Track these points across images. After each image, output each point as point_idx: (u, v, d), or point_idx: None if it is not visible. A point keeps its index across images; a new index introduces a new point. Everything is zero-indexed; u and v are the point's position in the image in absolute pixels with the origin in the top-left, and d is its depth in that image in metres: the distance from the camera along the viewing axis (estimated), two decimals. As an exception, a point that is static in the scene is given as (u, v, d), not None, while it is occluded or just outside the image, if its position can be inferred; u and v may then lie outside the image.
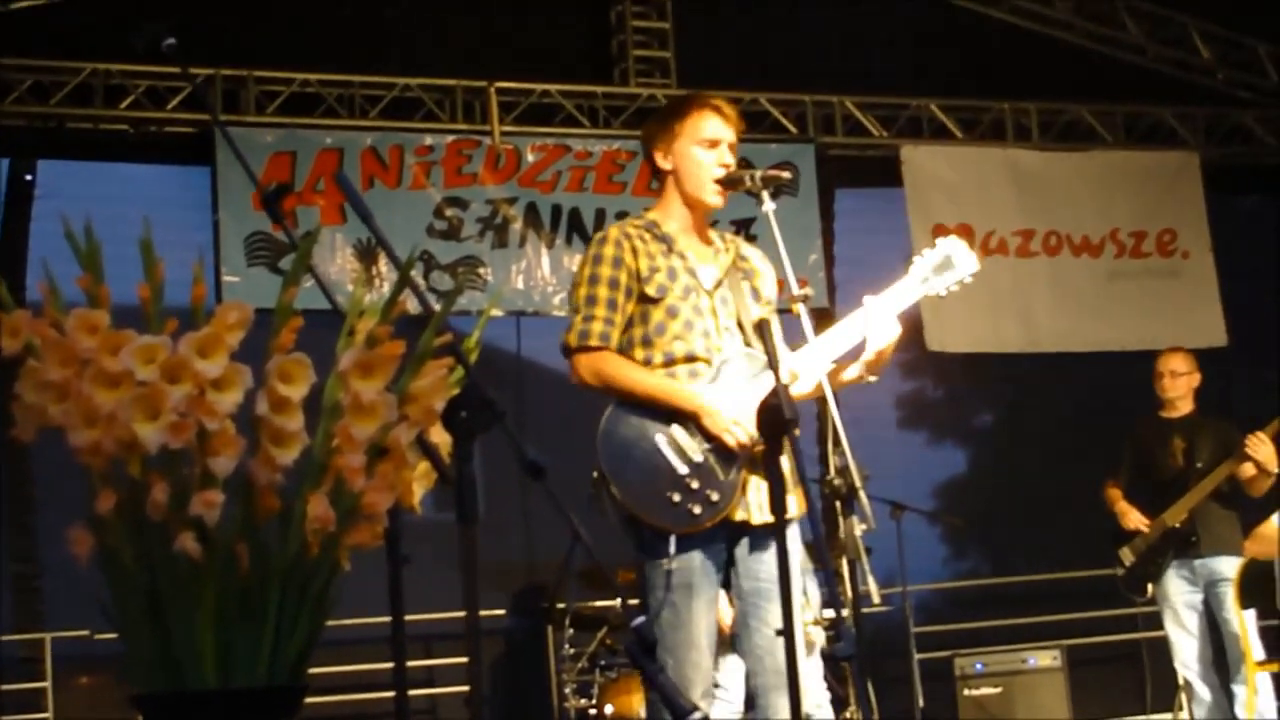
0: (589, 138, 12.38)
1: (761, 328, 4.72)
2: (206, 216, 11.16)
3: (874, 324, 5.60)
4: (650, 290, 5.62)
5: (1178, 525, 9.62)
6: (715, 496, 5.43)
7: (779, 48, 12.92)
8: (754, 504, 5.52)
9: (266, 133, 11.52)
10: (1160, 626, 9.98)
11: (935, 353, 12.93)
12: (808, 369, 5.51)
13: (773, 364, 4.56)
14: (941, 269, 5.82)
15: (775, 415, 4.36)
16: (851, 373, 5.67)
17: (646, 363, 5.59)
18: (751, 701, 5.59)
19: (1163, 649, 10.17)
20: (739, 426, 5.42)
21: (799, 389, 5.49)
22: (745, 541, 5.57)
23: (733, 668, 7.84)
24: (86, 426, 3.03)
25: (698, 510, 5.41)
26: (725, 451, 5.46)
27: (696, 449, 5.45)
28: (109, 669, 10.68)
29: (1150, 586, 9.77)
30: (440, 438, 3.35)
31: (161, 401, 3.00)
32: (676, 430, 5.47)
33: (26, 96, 11.19)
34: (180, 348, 3.03)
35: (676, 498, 5.40)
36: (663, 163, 5.85)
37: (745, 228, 11.89)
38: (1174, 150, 13.96)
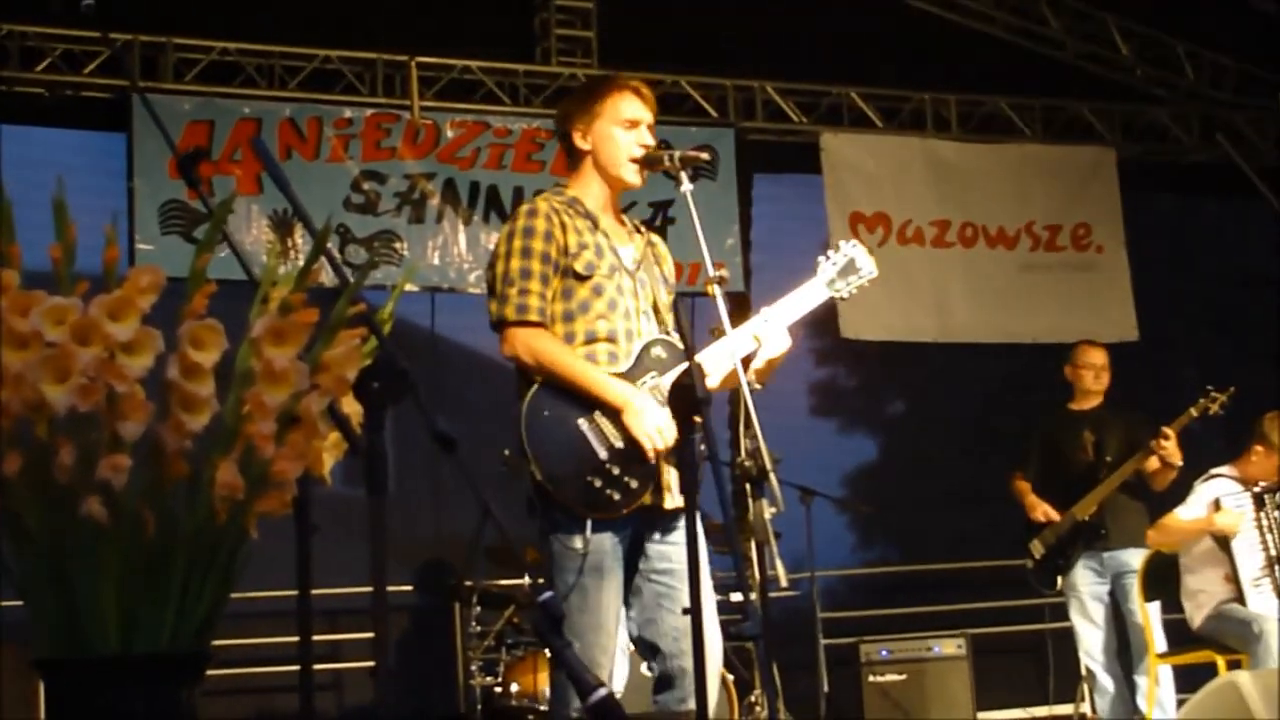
0: (509, 115, 12.35)
1: (676, 306, 4.72)
2: (121, 184, 11.07)
3: (768, 335, 5.64)
4: (578, 266, 5.60)
5: (1087, 518, 9.69)
6: (634, 484, 5.44)
7: (701, 30, 12.91)
8: (664, 486, 5.53)
9: (184, 101, 11.43)
10: (1065, 618, 10.05)
11: (848, 342, 12.98)
12: (713, 366, 5.51)
13: (685, 343, 4.57)
14: (845, 272, 5.91)
15: (687, 394, 4.36)
16: (742, 376, 5.69)
17: (567, 339, 5.57)
18: (666, 683, 5.59)
19: (1067, 640, 10.25)
20: (660, 434, 5.42)
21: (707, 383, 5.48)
22: (656, 525, 5.58)
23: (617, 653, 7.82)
24: (-7, 386, 3.01)
25: (617, 497, 5.42)
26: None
27: (618, 435, 5.45)
28: (10, 635, 10.57)
29: (1060, 579, 9.84)
30: (352, 408, 3.33)
31: (71, 363, 2.97)
32: (599, 416, 5.47)
33: (-59, 57, 11.08)
34: (91, 310, 3.00)
35: (597, 483, 5.41)
36: (581, 143, 5.83)
37: (663, 210, 11.93)
38: (1091, 145, 14.05)
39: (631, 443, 5.45)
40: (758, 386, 5.67)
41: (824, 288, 5.85)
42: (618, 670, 7.90)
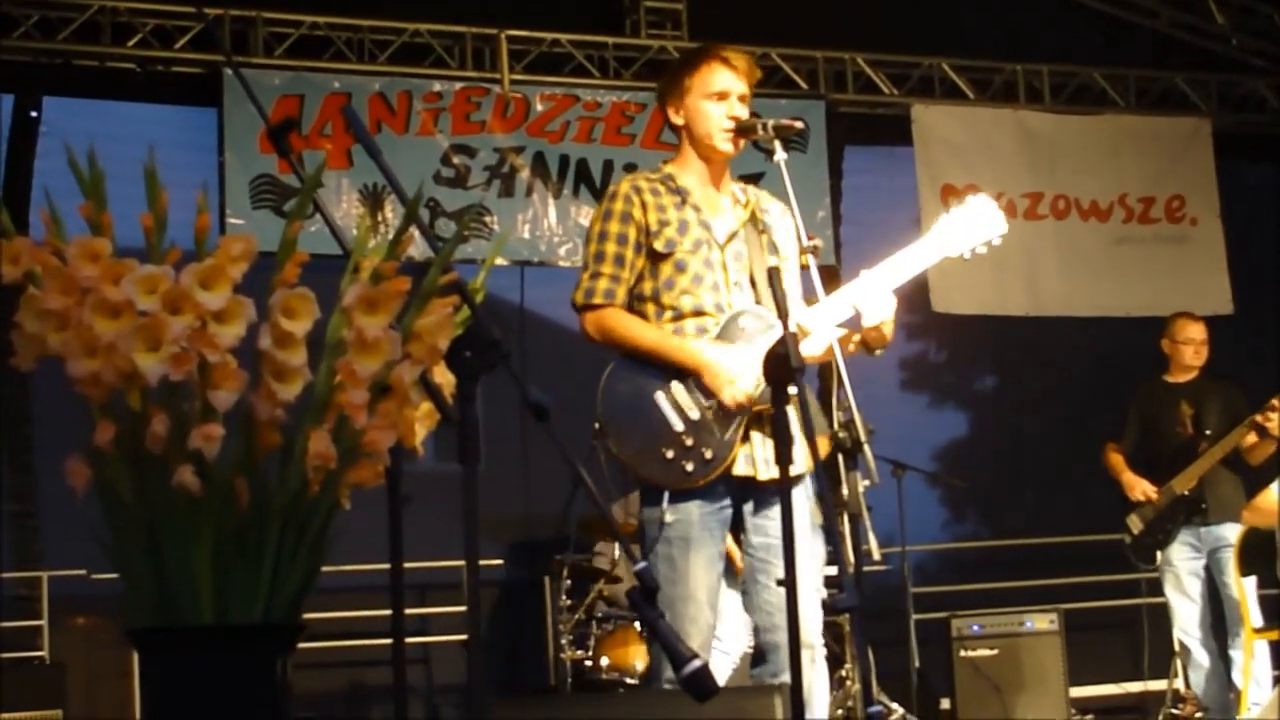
0: (598, 88, 12.31)
1: (772, 275, 4.68)
2: (211, 158, 11.11)
3: (867, 297, 5.56)
4: (658, 245, 5.61)
5: (1186, 492, 9.60)
6: (709, 454, 5.43)
7: (791, 2, 12.85)
8: (760, 459, 5.51)
9: (274, 75, 11.46)
10: (1161, 593, 9.96)
11: (939, 316, 12.89)
12: (816, 327, 5.48)
13: (781, 312, 4.53)
14: (967, 228, 5.76)
15: (781, 364, 4.31)
16: (853, 344, 5.65)
17: (656, 317, 5.59)
18: (760, 657, 5.59)
19: (1162, 615, 10.16)
20: (736, 385, 5.39)
21: (808, 350, 5.44)
22: (752, 497, 5.56)
23: (730, 620, 7.81)
24: (86, 356, 3.00)
25: (690, 467, 5.43)
26: (724, 409, 5.45)
27: (694, 406, 5.46)
28: (105, 608, 10.69)
29: (1158, 554, 9.75)
30: (444, 378, 3.32)
31: (163, 332, 2.97)
32: (676, 387, 5.48)
33: (33, 32, 11.11)
34: (182, 278, 2.99)
35: (670, 454, 5.42)
36: (675, 118, 5.84)
37: (754, 183, 11.83)
38: (1185, 116, 13.89)
39: (708, 413, 5.46)
40: (877, 353, 5.64)
41: (937, 246, 5.70)
42: (736, 642, 7.93)
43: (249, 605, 3.08)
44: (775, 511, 5.49)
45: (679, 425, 5.44)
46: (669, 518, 5.42)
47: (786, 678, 5.30)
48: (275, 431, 3.12)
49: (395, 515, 3.40)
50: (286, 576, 3.13)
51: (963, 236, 5.74)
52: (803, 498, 5.54)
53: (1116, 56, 13.77)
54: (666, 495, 5.43)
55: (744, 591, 5.65)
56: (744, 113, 5.73)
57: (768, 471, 5.50)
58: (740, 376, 5.40)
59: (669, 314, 5.59)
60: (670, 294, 5.60)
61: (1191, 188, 13.75)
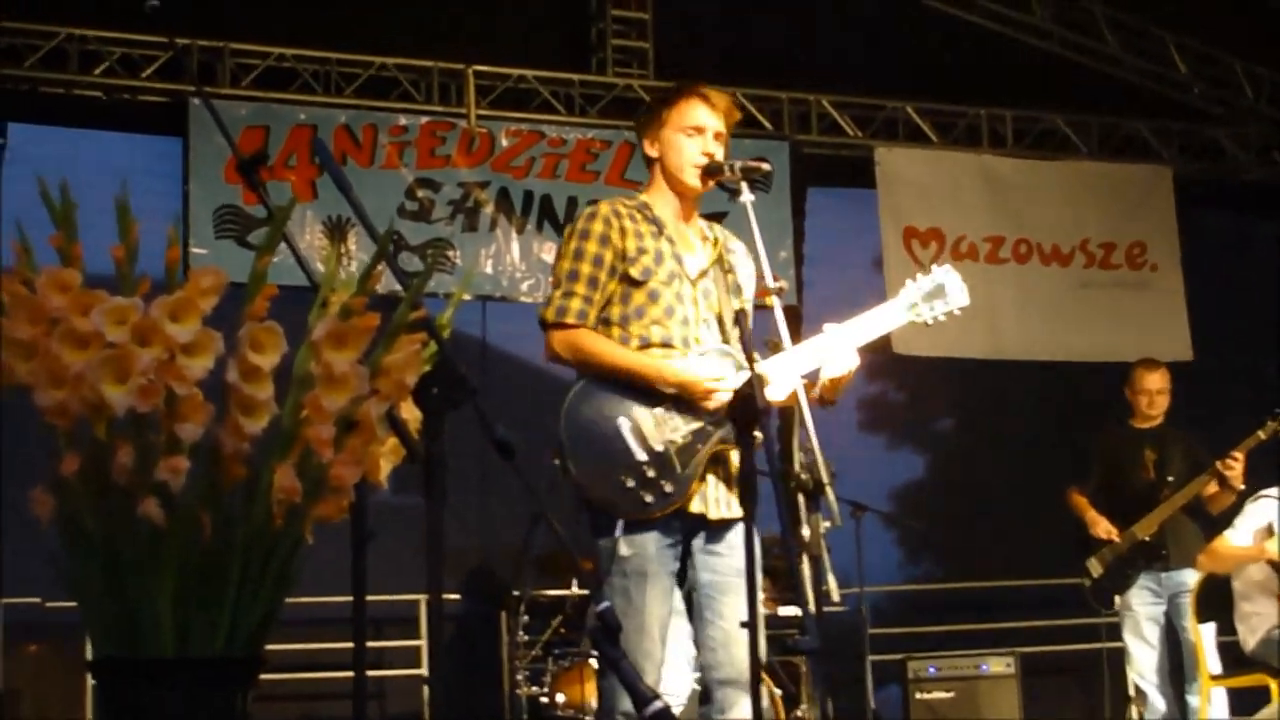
0: (564, 125, 12.35)
1: (739, 317, 4.70)
2: (175, 187, 11.10)
3: (832, 352, 5.58)
4: (635, 272, 5.60)
5: (1147, 538, 9.62)
6: (669, 488, 5.41)
7: (757, 43, 12.90)
8: (711, 498, 5.51)
9: (240, 106, 11.46)
10: (1119, 637, 9.96)
11: (898, 357, 12.90)
12: (778, 376, 5.48)
13: (747, 353, 4.54)
14: (931, 297, 5.79)
15: (748, 405, 4.32)
16: (812, 394, 5.65)
17: (622, 344, 5.57)
18: (706, 696, 5.57)
19: (1120, 660, 10.16)
20: (721, 386, 5.41)
21: (770, 397, 5.43)
22: (703, 533, 5.55)
23: (674, 661, 7.75)
24: (54, 386, 2.99)
25: (649, 499, 5.40)
26: (686, 445, 5.44)
27: (658, 438, 5.43)
28: (59, 637, 10.61)
29: (1117, 598, 9.77)
30: (410, 414, 3.31)
31: (131, 364, 2.96)
32: (641, 416, 5.45)
33: (-1, 59, 11.12)
34: (152, 310, 2.99)
35: (630, 483, 5.39)
36: (650, 150, 5.85)
37: (718, 222, 11.85)
38: (1147, 163, 13.98)
39: (671, 446, 5.44)
40: (830, 404, 5.65)
41: (904, 311, 5.75)
42: (680, 681, 7.86)
43: (210, 638, 3.07)
44: (722, 548, 5.53)
45: (641, 454, 5.41)
46: (625, 550, 5.39)
47: (731, 715, 5.34)
48: (241, 464, 3.11)
49: (359, 550, 3.39)
50: (249, 610, 3.12)
51: (923, 304, 5.77)
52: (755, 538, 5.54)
53: (1079, 103, 13.85)
54: (621, 525, 5.41)
55: (694, 629, 5.65)
56: (719, 151, 5.73)
57: (718, 511, 5.51)
58: (722, 377, 5.42)
59: (636, 342, 5.57)
60: (640, 323, 5.58)
61: (1152, 234, 13.84)
